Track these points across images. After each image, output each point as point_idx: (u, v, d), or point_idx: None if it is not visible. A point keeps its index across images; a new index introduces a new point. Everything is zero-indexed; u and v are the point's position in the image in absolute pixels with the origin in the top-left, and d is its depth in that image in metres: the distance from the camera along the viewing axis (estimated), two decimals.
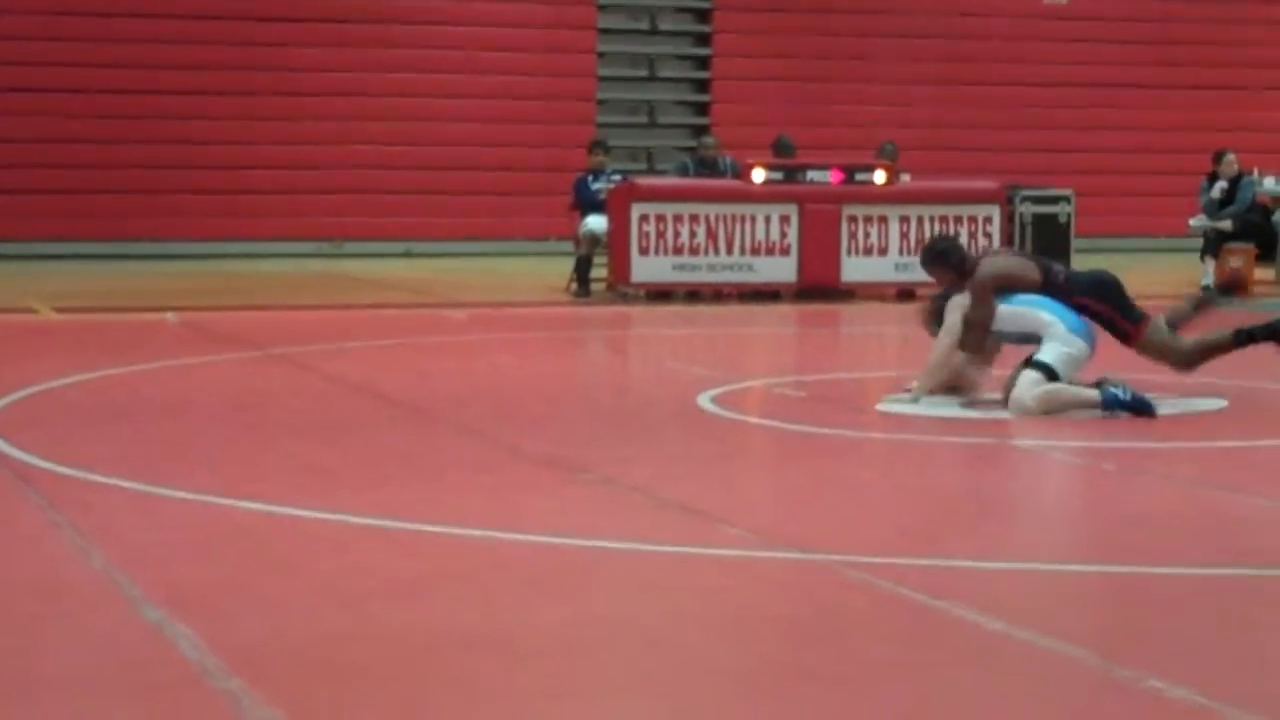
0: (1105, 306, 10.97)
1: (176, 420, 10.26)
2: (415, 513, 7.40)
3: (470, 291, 20.01)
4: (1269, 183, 22.86)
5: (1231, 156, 21.67)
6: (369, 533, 7.09)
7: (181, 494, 7.76)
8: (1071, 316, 10.66)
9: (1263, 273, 21.45)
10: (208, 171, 26.31)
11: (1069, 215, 20.28)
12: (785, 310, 18.65)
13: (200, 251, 25.48)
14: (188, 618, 5.64)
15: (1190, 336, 11.20)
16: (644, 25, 28.88)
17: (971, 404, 10.70)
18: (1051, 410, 10.28)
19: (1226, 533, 7.31)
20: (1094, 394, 10.39)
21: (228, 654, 5.25)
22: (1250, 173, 22.15)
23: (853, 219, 19.33)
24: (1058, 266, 11.23)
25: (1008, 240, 19.71)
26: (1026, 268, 11.00)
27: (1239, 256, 21.26)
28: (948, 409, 10.57)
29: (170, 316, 16.70)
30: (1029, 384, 10.35)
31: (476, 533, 7.06)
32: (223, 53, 26.43)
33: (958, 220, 19.62)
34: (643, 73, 28.85)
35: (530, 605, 5.96)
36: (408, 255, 26.21)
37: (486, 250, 26.51)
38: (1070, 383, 10.48)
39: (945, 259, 11.14)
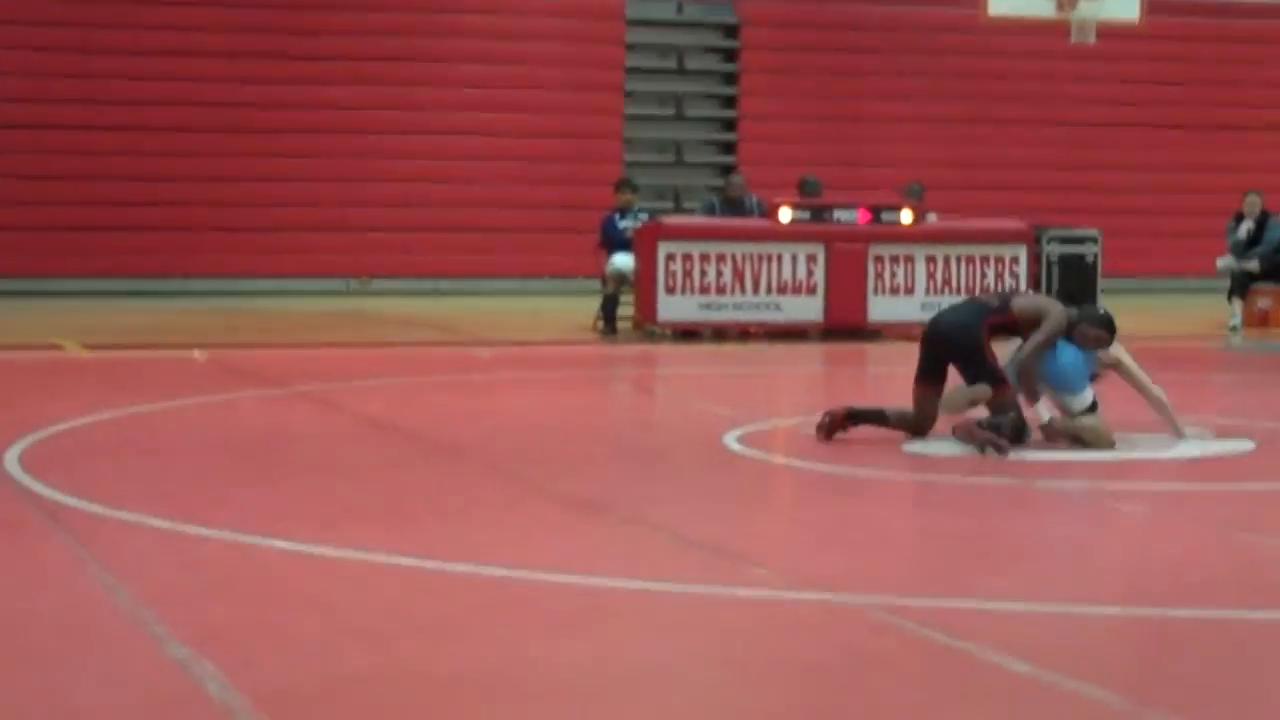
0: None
1: (203, 458, 10.28)
2: (440, 552, 7.40)
3: (496, 329, 20.04)
4: None
5: (1257, 197, 21.65)
6: (393, 571, 7.09)
7: (208, 532, 7.78)
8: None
9: None
10: (236, 209, 26.41)
11: (1096, 255, 20.26)
12: (811, 350, 18.64)
13: (229, 288, 25.57)
14: (213, 656, 5.64)
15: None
16: (672, 64, 28.96)
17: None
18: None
19: (1254, 576, 7.29)
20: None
21: (253, 692, 5.26)
22: (1277, 214, 22.12)
23: (879, 259, 19.34)
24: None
25: (1035, 281, 19.69)
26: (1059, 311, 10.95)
27: (1267, 297, 21.24)
28: (973, 449, 10.54)
29: (198, 354, 16.75)
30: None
31: (501, 572, 7.06)
32: (251, 90, 26.56)
33: (984, 260, 19.61)
34: (670, 111, 28.92)
35: (554, 646, 5.95)
36: (435, 293, 26.27)
37: (513, 288, 26.56)
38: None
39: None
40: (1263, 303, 21.22)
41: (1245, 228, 21.46)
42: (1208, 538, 8.13)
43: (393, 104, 27.20)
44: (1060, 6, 21.53)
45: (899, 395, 11.41)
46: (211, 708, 5.16)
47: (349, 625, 6.21)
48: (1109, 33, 22.57)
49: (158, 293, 25.22)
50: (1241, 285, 21.13)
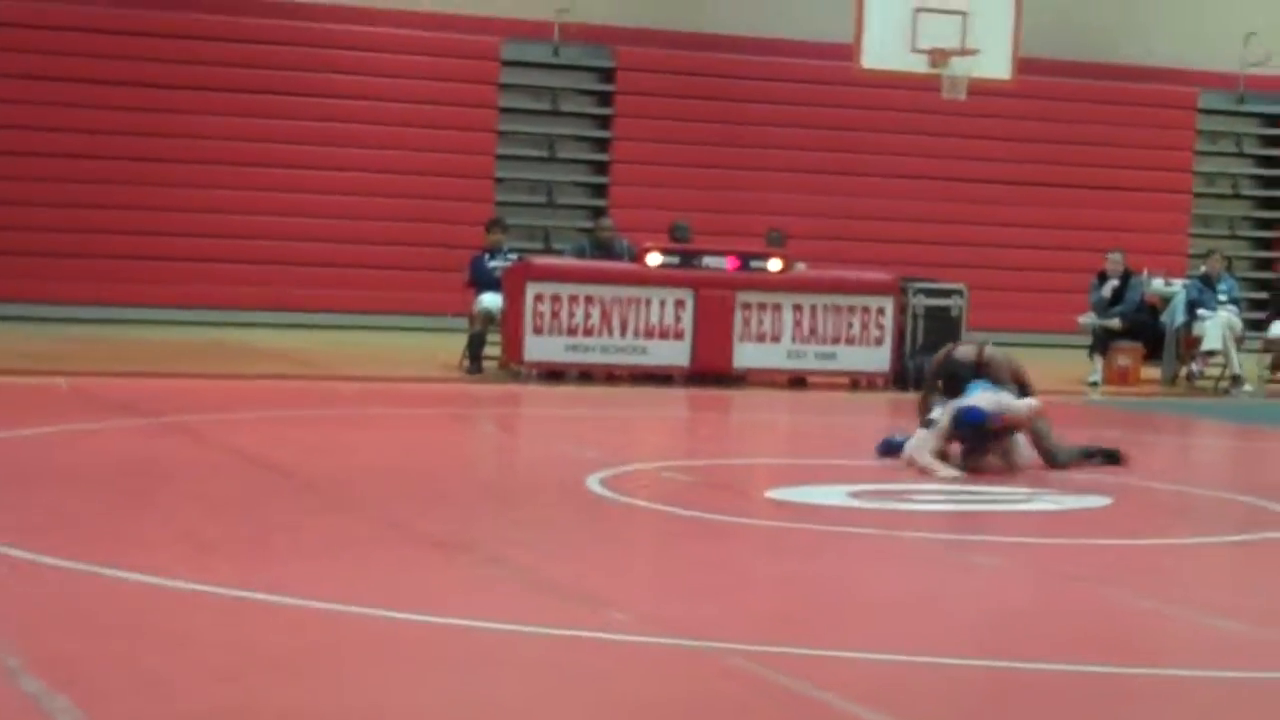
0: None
1: (63, 488, 10.19)
2: (300, 588, 7.38)
3: (364, 365, 19.98)
4: (1157, 283, 23.20)
5: (1119, 256, 22.01)
6: (253, 607, 7.07)
7: (65, 563, 7.71)
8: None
9: (1149, 371, 21.75)
10: (102, 235, 26.12)
11: (961, 309, 20.48)
12: (677, 394, 18.73)
13: (94, 316, 25.29)
14: (68, 690, 5.60)
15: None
16: (546, 105, 29.00)
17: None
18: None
19: (1101, 631, 7.41)
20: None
21: None
22: (1139, 273, 22.48)
23: (747, 306, 19.45)
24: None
25: (900, 333, 19.87)
26: None
27: (1127, 355, 21.55)
28: (837, 497, 10.66)
29: (61, 382, 16.58)
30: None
31: (361, 610, 7.05)
32: (118, 118, 26.31)
33: (851, 310, 19.78)
34: (543, 153, 28.96)
35: (411, 686, 5.96)
36: (302, 327, 26.13)
37: (382, 324, 26.45)
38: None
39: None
40: (1123, 360, 21.53)
41: (1109, 286, 21.78)
42: (1060, 591, 8.25)
43: (264, 137, 27.05)
44: (933, 62, 21.75)
45: (760, 441, 11.49)
46: None
47: (206, 661, 6.19)
48: (980, 90, 22.83)
49: (22, 318, 24.92)
50: (1103, 342, 21.44)
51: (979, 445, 12.20)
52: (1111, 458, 12.75)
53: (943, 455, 11.97)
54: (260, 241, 26.84)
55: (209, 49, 26.93)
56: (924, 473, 11.77)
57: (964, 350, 13.02)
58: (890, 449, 12.53)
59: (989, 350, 12.83)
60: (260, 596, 7.20)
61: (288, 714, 5.53)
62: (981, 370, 12.51)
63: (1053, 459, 12.42)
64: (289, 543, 8.63)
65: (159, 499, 9.93)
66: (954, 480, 11.54)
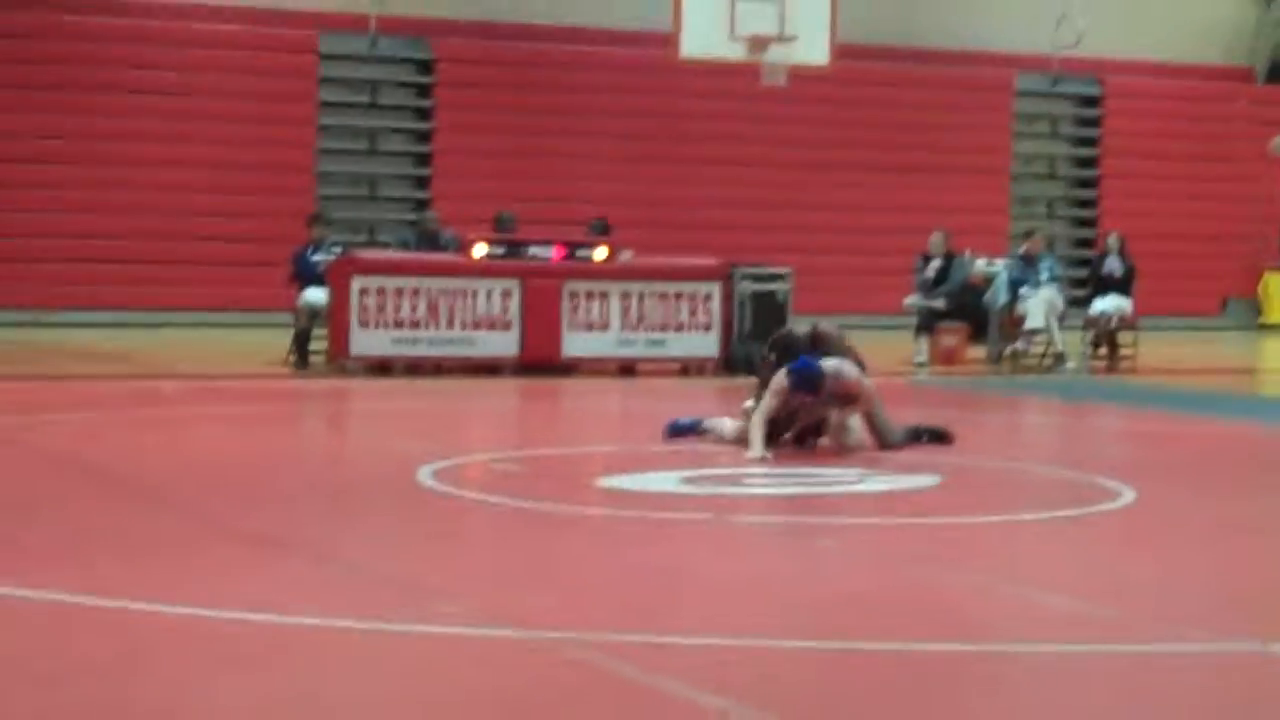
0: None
1: None
2: (115, 590, 7.20)
3: (184, 363, 19.68)
4: (979, 263, 23.42)
5: (941, 237, 22.17)
6: (65, 610, 6.88)
7: None
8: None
9: (974, 351, 21.95)
10: None
11: (787, 293, 20.53)
12: (506, 385, 18.61)
13: None
14: None
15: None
16: (365, 98, 28.78)
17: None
18: None
19: (934, 609, 7.40)
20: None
21: None
22: (963, 253, 22.67)
23: (574, 294, 19.38)
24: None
25: (727, 319, 19.87)
26: None
27: (952, 335, 21.73)
28: (669, 484, 10.61)
29: None
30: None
31: (184, 610, 6.89)
32: None
33: (679, 297, 19.77)
34: (364, 146, 28.73)
35: (238, 684, 5.82)
36: (120, 325, 25.71)
37: (203, 320, 26.10)
38: None
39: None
40: (948, 340, 21.70)
41: (933, 267, 21.95)
42: (893, 571, 8.24)
43: (79, 134, 26.59)
44: (751, 49, 21.80)
45: (591, 430, 11.43)
46: None
47: (24, 667, 6.01)
48: (800, 75, 22.92)
49: None
50: (928, 323, 21.60)
51: (812, 422, 12.23)
52: (939, 437, 12.83)
53: (772, 435, 11.99)
54: (76, 240, 26.40)
55: (20, 47, 26.42)
56: (746, 446, 11.88)
57: (799, 328, 13.19)
58: (678, 431, 12.65)
59: (823, 326, 12.92)
60: (72, 598, 7.01)
61: (111, 717, 5.37)
62: (817, 344, 12.55)
63: (885, 439, 12.46)
64: (109, 546, 8.41)
65: None
66: (761, 461, 11.57)
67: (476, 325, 19.09)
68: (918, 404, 16.49)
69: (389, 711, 5.60)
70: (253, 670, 6.04)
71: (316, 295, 19.27)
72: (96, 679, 5.85)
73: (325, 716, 5.50)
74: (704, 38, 21.60)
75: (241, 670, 6.02)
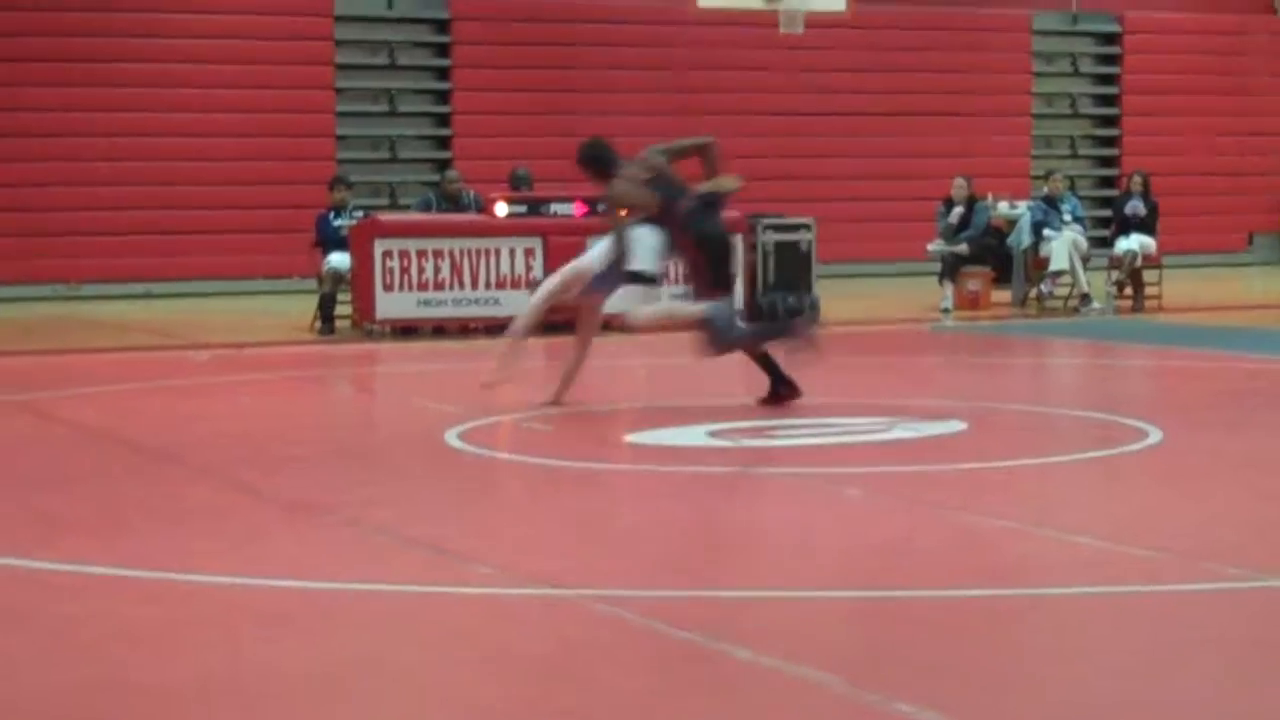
0: (702, 259, 12.06)
1: None
2: (156, 560, 7.25)
3: (212, 332, 19.72)
4: (1003, 207, 23.38)
5: (964, 182, 22.10)
6: (107, 581, 6.93)
7: None
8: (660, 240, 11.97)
9: (999, 294, 21.92)
10: None
11: (810, 243, 20.50)
12: (532, 344, 18.59)
13: None
14: None
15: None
16: (383, 60, 28.74)
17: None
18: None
19: (967, 555, 7.42)
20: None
21: None
22: (984, 198, 22.62)
23: None
24: (686, 202, 12.50)
25: (752, 269, 19.85)
26: (646, 198, 12.38)
27: (976, 279, 21.69)
28: (697, 438, 10.63)
29: None
30: (639, 299, 11.29)
31: (219, 579, 6.94)
32: None
33: None
34: (383, 108, 28.70)
35: (274, 650, 5.86)
36: (147, 296, 25.78)
37: (228, 289, 26.14)
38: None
39: (597, 163, 12.86)
40: (972, 285, 21.67)
41: (955, 212, 21.90)
42: (922, 518, 8.26)
43: (99, 106, 26.59)
44: None
45: (619, 386, 11.45)
46: None
47: (60, 636, 6.06)
48: (818, 22, 22.88)
49: None
50: (952, 268, 21.56)
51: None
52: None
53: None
54: (99, 212, 26.41)
55: (33, 19, 26.43)
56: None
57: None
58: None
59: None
60: (114, 570, 7.06)
61: (150, 687, 5.42)
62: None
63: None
64: (145, 515, 8.47)
65: (7, 478, 9.72)
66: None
67: (501, 284, 19.10)
68: (943, 350, 16.53)
69: (425, 674, 5.63)
70: (286, 636, 6.08)
71: (340, 260, 19.29)
72: (137, 648, 5.89)
73: (357, 679, 5.52)
74: None
75: (275, 637, 6.07)
